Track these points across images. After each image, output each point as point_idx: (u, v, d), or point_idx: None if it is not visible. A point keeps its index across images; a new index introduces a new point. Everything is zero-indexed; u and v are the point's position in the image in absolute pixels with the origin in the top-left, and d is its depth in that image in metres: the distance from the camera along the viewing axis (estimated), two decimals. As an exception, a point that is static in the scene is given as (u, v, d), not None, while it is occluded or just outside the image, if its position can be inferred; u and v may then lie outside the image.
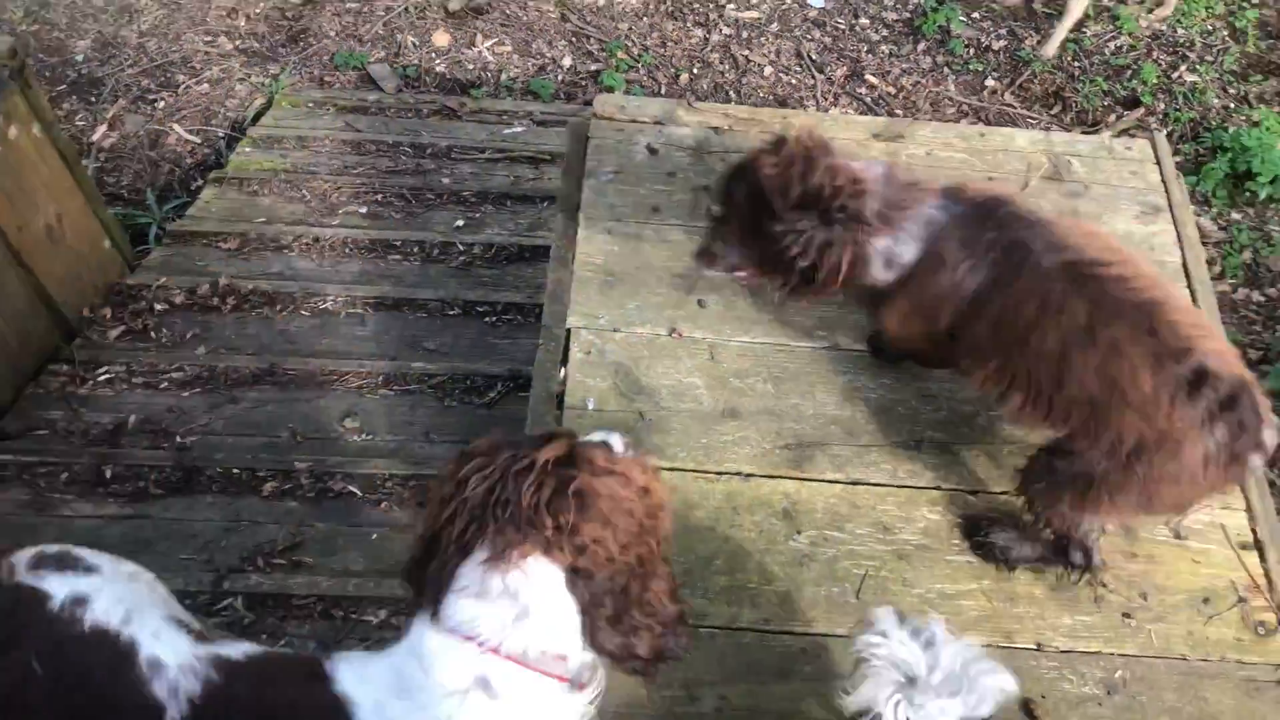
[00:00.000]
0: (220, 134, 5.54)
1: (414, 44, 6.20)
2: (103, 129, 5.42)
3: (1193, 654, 2.33)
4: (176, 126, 5.53)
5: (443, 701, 1.48)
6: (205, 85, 5.78)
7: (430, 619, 1.50)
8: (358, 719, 1.52)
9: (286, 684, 1.61)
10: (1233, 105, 5.74)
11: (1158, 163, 3.36)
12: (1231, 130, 5.43)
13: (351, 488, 3.18)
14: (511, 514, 1.43)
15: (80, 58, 5.77)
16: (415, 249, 4.35)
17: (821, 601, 2.37)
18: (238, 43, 6.06)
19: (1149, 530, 2.52)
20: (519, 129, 5.48)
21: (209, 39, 6.04)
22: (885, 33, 6.45)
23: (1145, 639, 2.35)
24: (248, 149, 5.09)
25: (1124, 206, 3.23)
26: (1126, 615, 2.38)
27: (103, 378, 3.54)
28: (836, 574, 2.41)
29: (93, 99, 5.59)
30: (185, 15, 6.11)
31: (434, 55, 6.18)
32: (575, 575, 1.47)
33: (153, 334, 3.79)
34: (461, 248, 4.36)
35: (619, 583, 1.50)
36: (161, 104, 5.63)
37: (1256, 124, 5.41)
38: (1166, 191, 3.27)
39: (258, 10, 6.25)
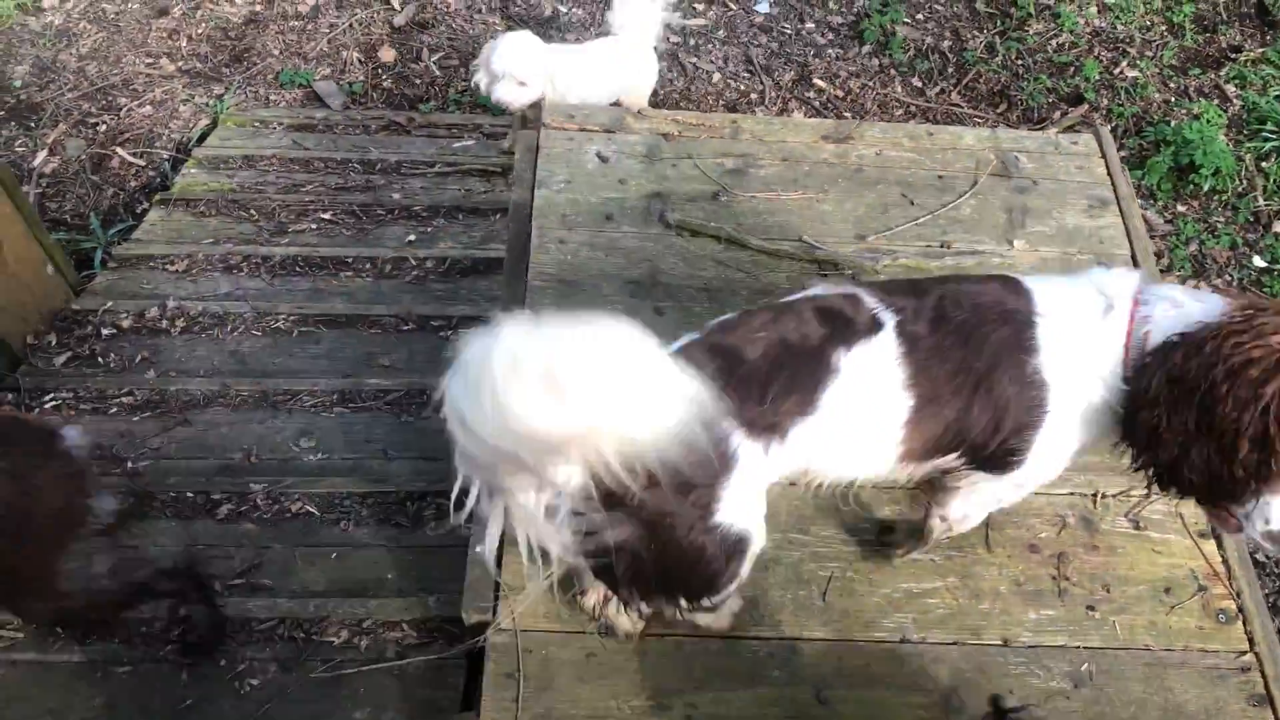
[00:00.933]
0: (165, 156, 5.45)
1: (359, 60, 6.15)
2: (43, 154, 5.31)
3: (1156, 644, 2.34)
4: (119, 150, 5.43)
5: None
6: (148, 107, 5.68)
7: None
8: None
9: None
10: (1173, 99, 5.84)
11: (1103, 157, 3.40)
12: (1173, 124, 5.52)
13: (309, 507, 3.12)
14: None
15: (18, 83, 5.66)
16: (367, 265, 4.30)
17: (788, 604, 2.36)
18: (180, 64, 5.97)
19: (1110, 522, 2.54)
20: (469, 142, 5.44)
21: (150, 61, 5.94)
22: (831, 36, 6.50)
23: (1110, 631, 2.36)
24: (193, 170, 5.01)
25: (1072, 201, 3.27)
26: (1090, 608, 2.40)
27: (49, 404, 3.46)
28: (802, 576, 2.41)
29: (32, 124, 5.48)
30: (125, 38, 6.01)
31: (380, 70, 6.13)
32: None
33: (100, 359, 3.71)
34: (414, 262, 4.31)
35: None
36: (103, 127, 5.53)
37: (1197, 117, 5.50)
38: (1113, 185, 3.31)
39: (200, 31, 6.16)
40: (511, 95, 4.52)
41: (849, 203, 3.22)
